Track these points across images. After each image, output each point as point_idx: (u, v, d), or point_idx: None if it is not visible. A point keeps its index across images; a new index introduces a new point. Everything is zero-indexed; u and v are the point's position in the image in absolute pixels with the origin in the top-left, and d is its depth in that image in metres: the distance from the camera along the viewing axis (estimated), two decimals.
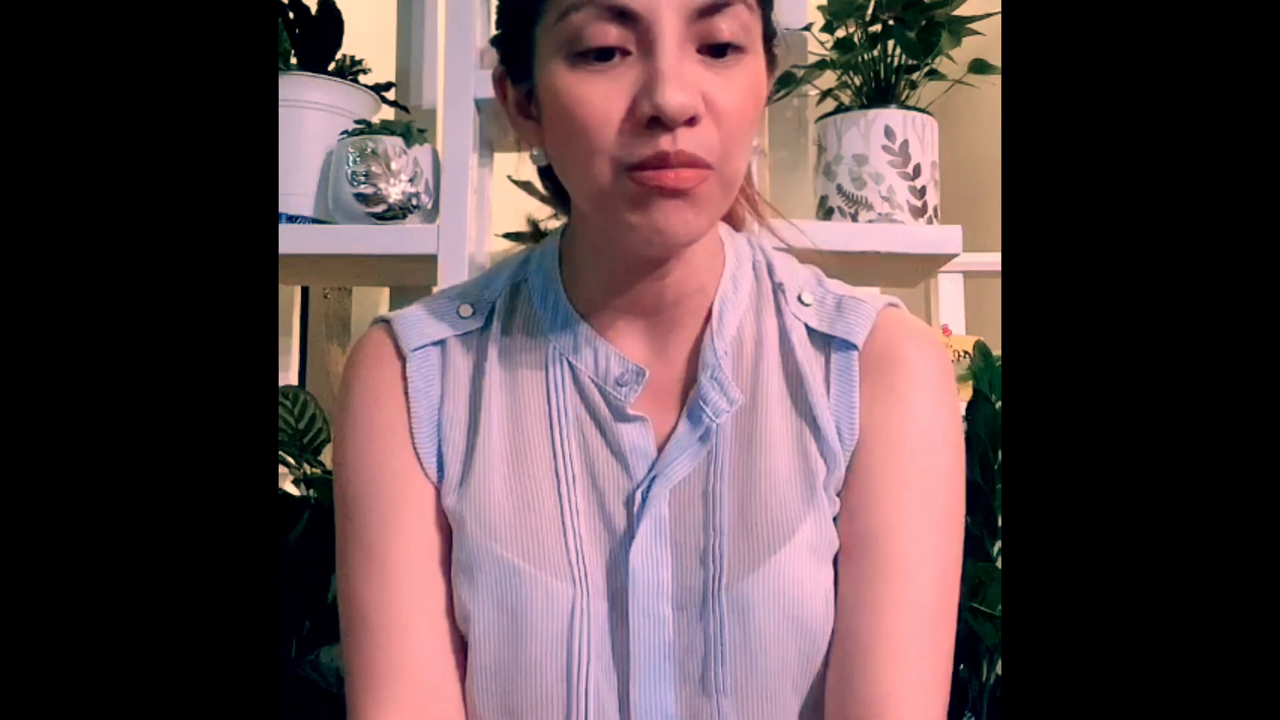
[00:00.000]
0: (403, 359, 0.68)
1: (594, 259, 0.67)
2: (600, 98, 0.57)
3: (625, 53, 0.57)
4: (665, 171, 0.57)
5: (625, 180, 0.58)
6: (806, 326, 0.68)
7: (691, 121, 0.56)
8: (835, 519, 0.65)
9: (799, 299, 0.69)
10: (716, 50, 0.57)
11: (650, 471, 0.65)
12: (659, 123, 0.56)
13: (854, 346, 0.67)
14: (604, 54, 0.57)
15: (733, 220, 0.75)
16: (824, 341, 0.68)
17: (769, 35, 0.64)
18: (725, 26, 0.57)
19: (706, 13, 0.57)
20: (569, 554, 0.63)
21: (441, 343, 0.69)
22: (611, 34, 0.56)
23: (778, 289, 0.70)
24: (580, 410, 0.67)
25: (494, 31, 0.67)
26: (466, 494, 0.65)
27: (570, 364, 0.67)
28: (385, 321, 0.70)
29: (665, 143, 0.56)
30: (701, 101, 0.57)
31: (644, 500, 0.64)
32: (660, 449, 0.65)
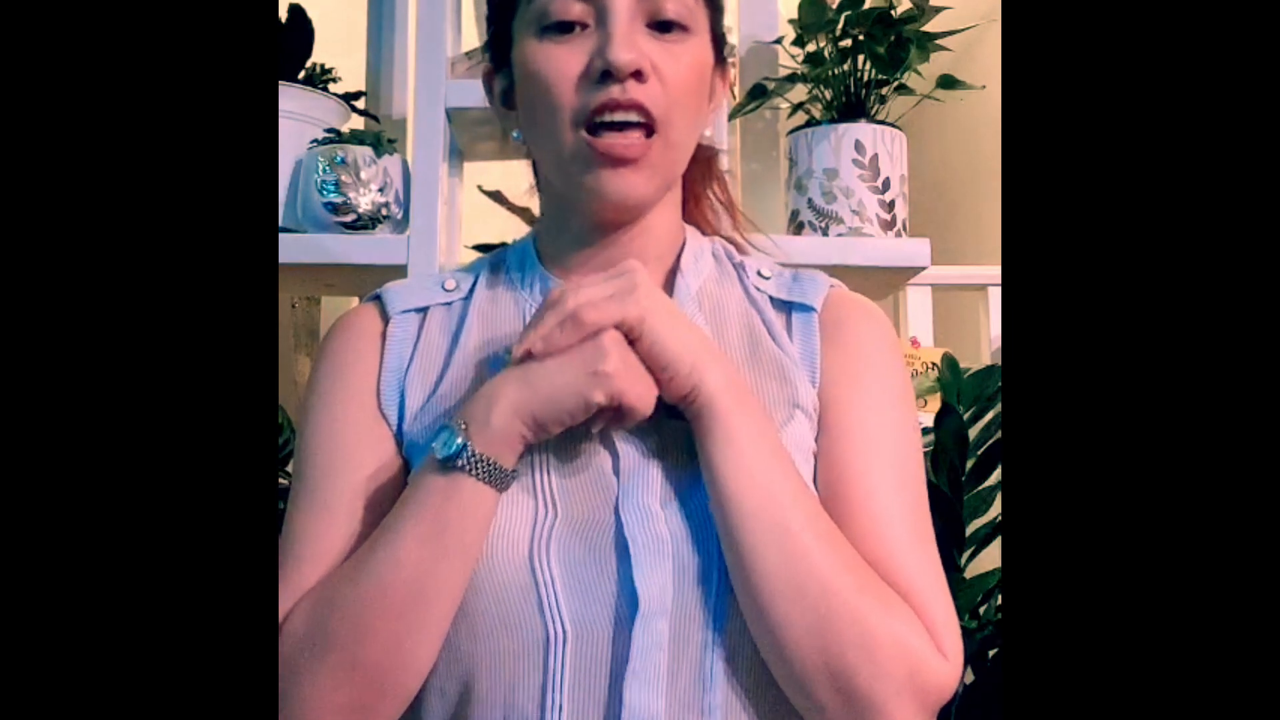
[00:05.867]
0: (387, 320, 0.74)
1: (562, 221, 0.75)
2: (561, 60, 0.68)
3: (584, 26, 0.69)
4: (616, 142, 0.67)
5: (581, 141, 0.68)
6: (768, 295, 0.76)
7: (639, 75, 0.67)
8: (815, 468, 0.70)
9: (759, 274, 0.78)
10: (662, 26, 0.69)
11: None
12: (610, 76, 0.67)
13: (812, 308, 0.75)
14: (565, 27, 0.69)
15: (704, 226, 0.82)
16: (784, 306, 0.76)
17: (717, 35, 0.74)
18: (670, 7, 0.69)
19: None
20: (533, 474, 0.66)
21: (424, 310, 0.75)
22: (573, 10, 0.68)
23: (739, 267, 0.78)
24: None
25: (481, 38, 0.75)
26: (426, 419, 0.69)
27: None
28: (377, 297, 0.76)
29: (615, 91, 0.67)
30: (648, 62, 0.67)
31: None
32: None
